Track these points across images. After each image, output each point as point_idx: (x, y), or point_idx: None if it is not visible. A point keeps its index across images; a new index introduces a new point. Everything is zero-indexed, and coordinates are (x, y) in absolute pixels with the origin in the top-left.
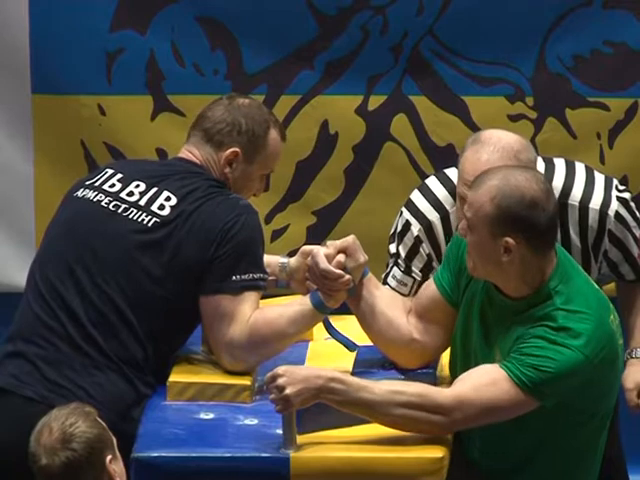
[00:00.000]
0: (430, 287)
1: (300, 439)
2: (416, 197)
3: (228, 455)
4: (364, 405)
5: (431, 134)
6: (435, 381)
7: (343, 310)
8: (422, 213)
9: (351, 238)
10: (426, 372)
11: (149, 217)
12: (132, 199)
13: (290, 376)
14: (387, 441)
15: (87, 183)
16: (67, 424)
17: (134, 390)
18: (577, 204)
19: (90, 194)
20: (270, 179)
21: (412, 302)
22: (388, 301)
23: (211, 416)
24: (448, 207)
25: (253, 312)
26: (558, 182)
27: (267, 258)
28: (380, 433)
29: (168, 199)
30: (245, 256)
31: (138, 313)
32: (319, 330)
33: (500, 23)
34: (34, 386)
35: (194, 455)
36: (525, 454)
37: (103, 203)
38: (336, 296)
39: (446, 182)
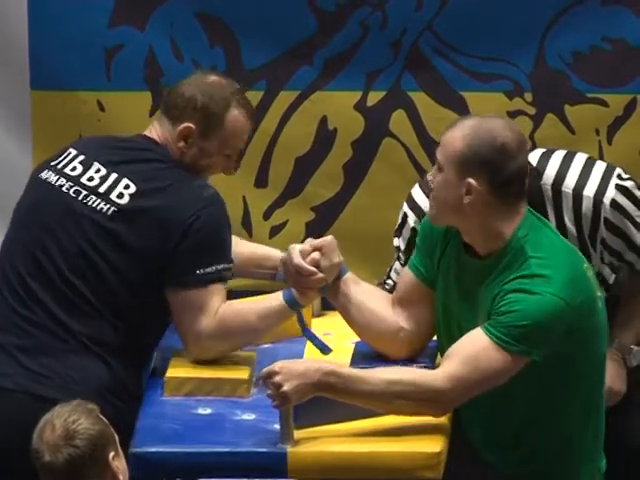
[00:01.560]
0: (406, 273)
1: (297, 434)
2: (415, 190)
3: (226, 450)
4: (362, 396)
5: (430, 130)
6: None
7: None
8: (418, 205)
9: (329, 238)
10: (424, 365)
11: (107, 206)
12: (92, 184)
13: (287, 373)
14: (384, 436)
15: (51, 164)
16: (70, 421)
17: (110, 371)
18: (570, 191)
19: (52, 177)
20: (269, 175)
21: (393, 293)
22: (370, 295)
23: (209, 411)
24: None
25: (221, 304)
26: (551, 170)
27: (268, 251)
28: (377, 428)
29: (127, 187)
30: (208, 249)
31: (102, 300)
32: (319, 325)
33: (499, 19)
34: (12, 376)
35: (192, 450)
36: (523, 424)
37: (64, 188)
38: (308, 294)
39: None
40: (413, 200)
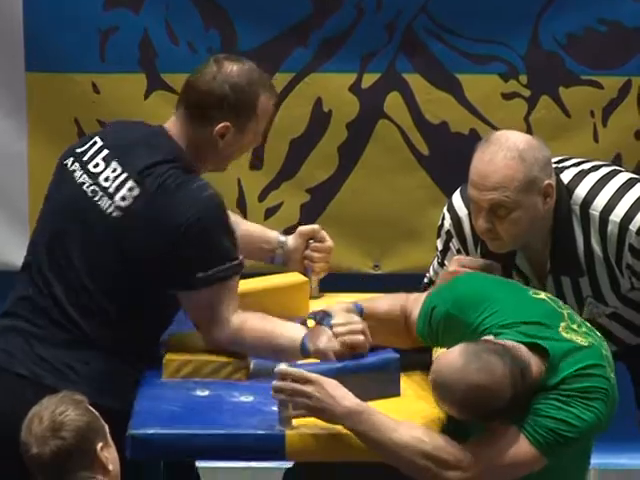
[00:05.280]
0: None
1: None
2: (455, 192)
3: (224, 432)
4: (384, 445)
5: (425, 112)
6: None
7: (335, 289)
8: (454, 208)
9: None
10: (419, 354)
11: (113, 208)
12: (106, 185)
13: (320, 390)
14: None
15: (77, 151)
16: (57, 412)
17: (121, 366)
18: (597, 214)
19: (77, 172)
20: (264, 157)
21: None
22: (387, 323)
23: (207, 393)
24: None
25: (232, 307)
26: (582, 190)
27: (266, 232)
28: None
29: (131, 189)
30: (209, 252)
31: (109, 298)
32: (317, 307)
33: (494, 1)
34: (26, 363)
35: (190, 432)
36: None
37: (84, 187)
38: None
39: None
40: (451, 202)
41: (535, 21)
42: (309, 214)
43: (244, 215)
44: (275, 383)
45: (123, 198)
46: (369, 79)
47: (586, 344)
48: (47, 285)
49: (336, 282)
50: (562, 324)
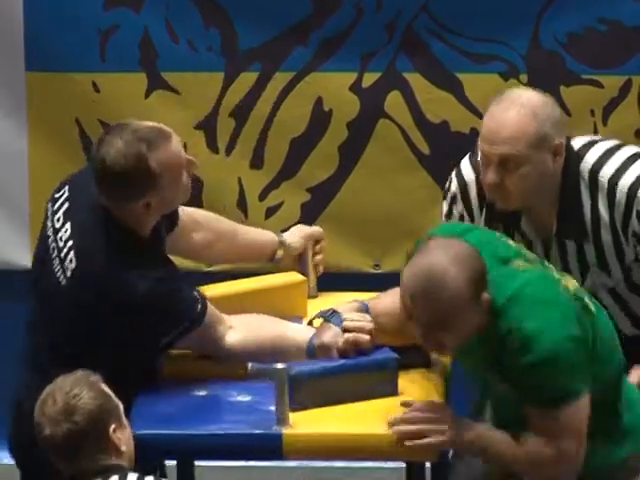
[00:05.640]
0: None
1: (293, 416)
2: (464, 158)
3: (221, 432)
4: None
5: (425, 111)
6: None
7: (335, 289)
8: (462, 173)
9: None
10: (418, 352)
11: (61, 274)
12: (60, 245)
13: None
14: (379, 418)
15: (55, 196)
16: (70, 395)
17: None
18: (606, 181)
19: (48, 221)
20: (264, 156)
21: None
22: (393, 322)
23: (204, 393)
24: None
25: (220, 331)
26: (592, 157)
27: (266, 236)
28: (372, 410)
29: (71, 261)
30: (165, 321)
31: (64, 355)
32: (315, 307)
33: (494, 0)
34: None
35: (187, 433)
36: None
37: (49, 241)
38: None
39: None
40: (459, 166)
41: (536, 20)
42: (309, 213)
43: (245, 215)
44: (408, 416)
45: (66, 267)
46: (369, 78)
47: (530, 267)
48: (35, 333)
49: (336, 281)
50: (517, 260)
